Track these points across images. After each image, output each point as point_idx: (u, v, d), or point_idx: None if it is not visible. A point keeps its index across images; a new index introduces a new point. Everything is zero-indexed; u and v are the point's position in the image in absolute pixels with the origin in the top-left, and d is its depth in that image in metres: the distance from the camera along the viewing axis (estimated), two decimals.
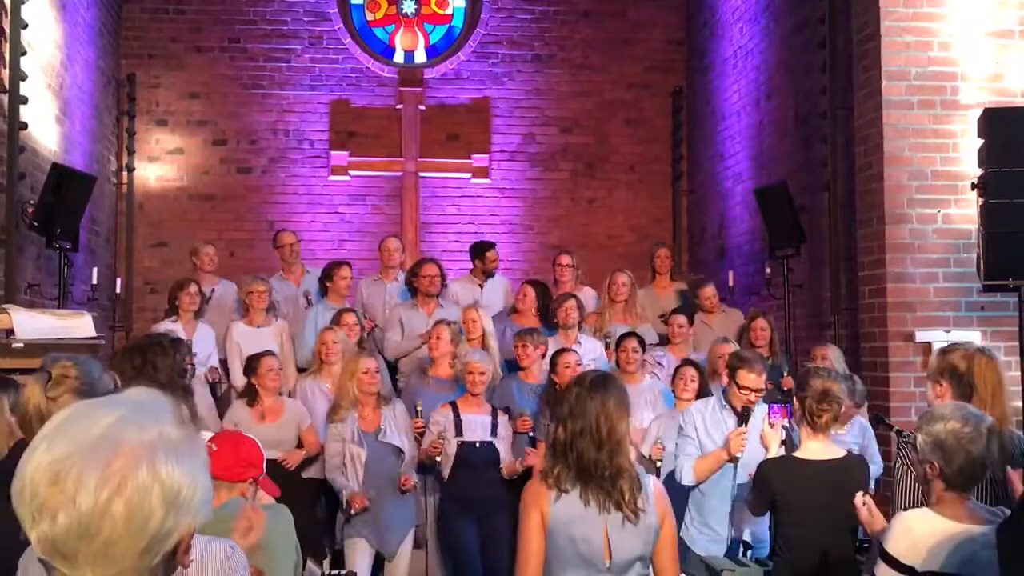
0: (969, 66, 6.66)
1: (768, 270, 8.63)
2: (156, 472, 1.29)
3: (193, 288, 7.40)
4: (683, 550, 5.35)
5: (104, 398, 1.38)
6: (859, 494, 3.60)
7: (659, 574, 3.36)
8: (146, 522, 1.28)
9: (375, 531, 5.90)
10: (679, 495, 5.46)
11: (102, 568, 1.28)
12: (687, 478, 5.13)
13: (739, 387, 5.07)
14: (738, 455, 4.92)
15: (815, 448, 4.14)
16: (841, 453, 4.29)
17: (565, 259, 8.30)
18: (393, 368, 7.43)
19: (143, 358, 3.55)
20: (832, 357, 6.38)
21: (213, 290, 8.05)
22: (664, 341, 7.62)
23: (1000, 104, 6.46)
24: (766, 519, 5.15)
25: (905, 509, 3.24)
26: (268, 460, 3.56)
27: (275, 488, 3.45)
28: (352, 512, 5.80)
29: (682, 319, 7.51)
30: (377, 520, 5.89)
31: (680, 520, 5.34)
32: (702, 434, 5.23)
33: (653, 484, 3.35)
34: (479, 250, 8.63)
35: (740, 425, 4.99)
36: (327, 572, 5.35)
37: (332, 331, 6.77)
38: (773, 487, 4.10)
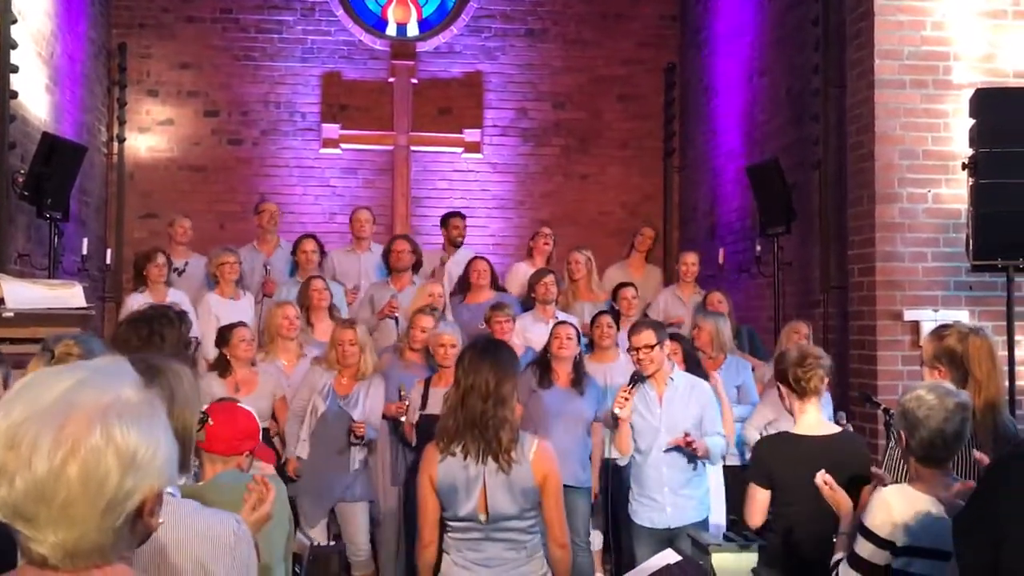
0: (962, 46, 6.67)
1: (758, 248, 8.65)
2: (110, 434, 1.31)
3: (161, 259, 7.42)
4: (628, 523, 5.45)
5: (67, 364, 1.40)
6: (820, 472, 3.61)
7: (549, 526, 3.71)
8: (102, 484, 1.30)
9: (322, 495, 5.93)
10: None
11: (63, 530, 1.30)
12: (613, 451, 5.47)
13: (636, 350, 5.27)
14: (616, 411, 5.18)
15: (810, 423, 4.13)
16: (836, 429, 4.32)
17: (547, 230, 8.43)
18: None
19: (150, 329, 3.55)
20: (804, 333, 6.53)
21: (186, 263, 8.05)
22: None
23: (992, 84, 6.48)
24: (701, 484, 5.26)
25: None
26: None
27: (271, 454, 3.46)
28: (291, 477, 5.83)
29: (631, 290, 7.53)
30: (323, 483, 5.94)
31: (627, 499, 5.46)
32: (637, 411, 5.34)
33: (536, 444, 3.66)
34: (444, 219, 8.69)
35: (629, 385, 5.23)
36: (316, 543, 5.37)
37: (289, 306, 6.71)
38: (769, 463, 4.11)
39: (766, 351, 7.46)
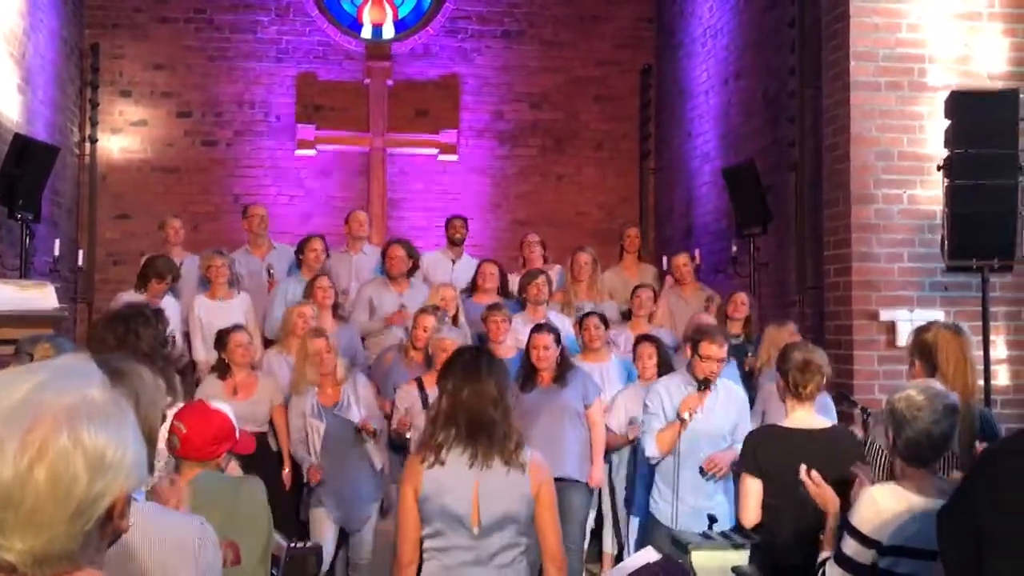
0: (937, 48, 6.70)
1: (734, 249, 8.68)
2: (78, 436, 1.26)
3: (169, 279, 7.35)
4: (652, 524, 5.43)
5: (27, 365, 1.35)
6: (802, 467, 3.62)
7: (540, 536, 3.47)
8: (70, 487, 1.26)
9: (338, 505, 5.93)
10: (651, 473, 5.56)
11: (31, 536, 1.26)
12: (649, 449, 5.34)
13: (701, 358, 5.24)
14: (684, 416, 5.14)
15: (800, 417, 4.17)
16: (827, 423, 4.34)
17: (533, 237, 8.41)
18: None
19: (126, 327, 3.50)
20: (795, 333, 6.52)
21: (181, 263, 7.99)
22: (626, 318, 7.63)
23: (967, 87, 6.51)
24: (731, 491, 5.23)
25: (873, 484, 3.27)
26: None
27: (251, 444, 3.43)
28: (311, 485, 5.86)
29: (647, 292, 7.53)
30: (340, 494, 5.92)
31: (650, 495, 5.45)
32: (668, 409, 5.33)
33: (532, 454, 3.47)
34: (448, 221, 8.72)
35: (699, 391, 5.21)
36: (293, 544, 5.32)
37: (304, 305, 6.77)
38: (759, 456, 4.12)
39: None
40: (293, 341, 6.61)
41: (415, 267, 7.75)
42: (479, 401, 3.39)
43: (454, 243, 8.66)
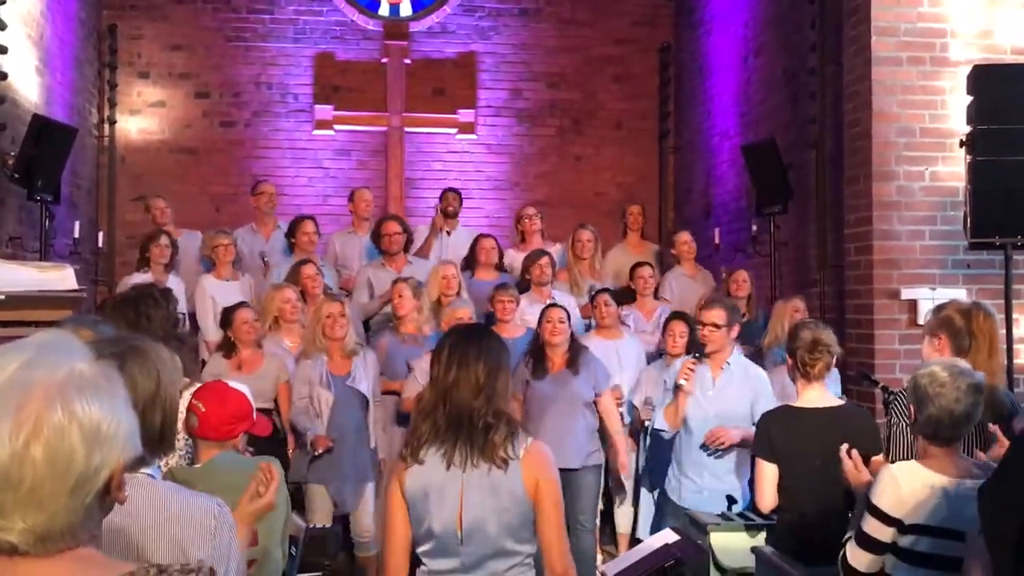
0: (959, 23, 6.62)
1: (754, 227, 8.62)
2: (71, 410, 1.26)
3: (164, 240, 7.40)
4: (665, 502, 5.43)
5: (10, 344, 1.34)
6: (844, 446, 3.60)
7: (545, 549, 3.05)
8: (68, 462, 1.26)
9: (334, 481, 5.89)
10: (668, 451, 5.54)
11: (32, 515, 1.25)
12: (658, 421, 5.37)
13: (703, 324, 5.32)
14: (681, 382, 5.18)
15: (812, 396, 4.17)
16: (839, 402, 4.32)
17: (532, 210, 8.34)
18: (366, 327, 7.42)
19: (136, 311, 3.50)
20: (802, 309, 6.59)
21: (175, 242, 8.01)
22: (630, 299, 7.58)
23: (989, 61, 6.43)
24: (746, 473, 5.21)
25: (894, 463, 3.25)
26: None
27: (267, 426, 3.42)
28: (316, 453, 5.77)
29: (648, 269, 7.50)
30: (337, 469, 5.88)
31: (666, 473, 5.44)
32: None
33: (529, 443, 3.04)
34: (442, 193, 8.73)
35: (694, 357, 5.25)
36: (312, 524, 5.34)
37: (288, 289, 6.68)
38: (772, 437, 4.10)
39: None
40: (282, 326, 6.56)
41: (409, 241, 7.73)
42: (463, 389, 3.00)
43: (447, 215, 8.58)
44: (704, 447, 5.21)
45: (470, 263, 7.71)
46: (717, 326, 5.21)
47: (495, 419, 2.99)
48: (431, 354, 3.22)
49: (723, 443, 5.14)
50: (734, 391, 5.28)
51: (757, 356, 6.51)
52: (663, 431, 5.40)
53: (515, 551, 3.02)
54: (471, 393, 2.99)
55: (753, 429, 4.83)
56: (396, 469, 3.10)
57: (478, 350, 3.05)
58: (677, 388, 5.24)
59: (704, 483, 5.21)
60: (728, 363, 5.31)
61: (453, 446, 2.99)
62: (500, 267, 7.73)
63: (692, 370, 5.19)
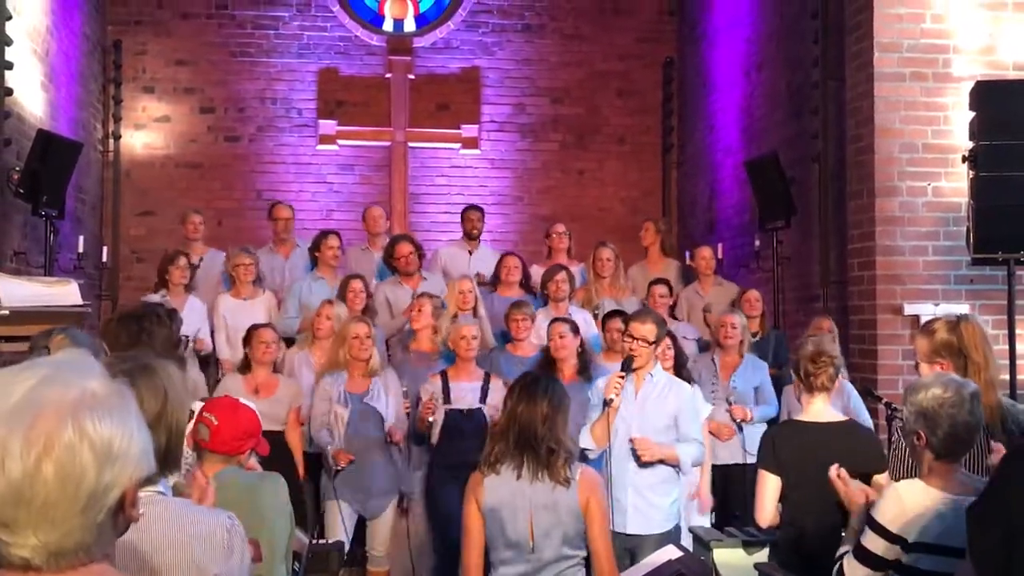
0: (962, 38, 6.64)
1: (757, 243, 8.63)
2: (82, 429, 1.27)
3: (183, 262, 7.38)
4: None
5: (27, 362, 1.35)
6: (833, 467, 3.58)
7: (595, 555, 3.66)
8: (80, 480, 1.26)
9: (357, 494, 5.93)
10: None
11: (44, 532, 1.26)
12: (584, 440, 4.97)
13: (632, 337, 5.05)
14: (611, 397, 4.88)
15: (817, 410, 4.13)
16: (843, 418, 4.30)
17: (561, 227, 8.30)
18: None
19: (139, 326, 3.51)
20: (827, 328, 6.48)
21: (201, 259, 8.00)
22: None
23: (992, 77, 6.45)
24: (671, 492, 5.05)
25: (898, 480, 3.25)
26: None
27: (266, 447, 3.44)
28: (337, 468, 5.78)
29: (662, 288, 7.48)
30: (360, 483, 5.91)
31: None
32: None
33: (582, 469, 3.70)
34: (463, 213, 8.69)
35: (622, 371, 4.99)
36: (315, 540, 5.34)
37: (332, 305, 6.65)
38: (777, 449, 4.07)
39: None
40: (317, 342, 6.57)
41: (422, 258, 7.75)
42: (530, 418, 3.63)
43: (470, 236, 8.60)
44: (633, 456, 4.95)
45: (495, 282, 7.73)
46: (648, 342, 5.04)
47: (556, 445, 3.62)
48: (507, 391, 3.92)
49: (644, 455, 4.89)
50: (655, 403, 5.04)
51: (777, 378, 6.52)
52: (589, 450, 4.99)
53: (570, 556, 3.66)
54: (539, 422, 3.63)
55: (675, 448, 4.91)
56: (474, 483, 3.72)
57: (545, 389, 3.71)
58: (606, 404, 5.04)
59: (627, 501, 4.92)
60: (651, 375, 5.08)
61: (521, 463, 3.63)
62: (524, 285, 7.71)
63: (620, 384, 4.93)
